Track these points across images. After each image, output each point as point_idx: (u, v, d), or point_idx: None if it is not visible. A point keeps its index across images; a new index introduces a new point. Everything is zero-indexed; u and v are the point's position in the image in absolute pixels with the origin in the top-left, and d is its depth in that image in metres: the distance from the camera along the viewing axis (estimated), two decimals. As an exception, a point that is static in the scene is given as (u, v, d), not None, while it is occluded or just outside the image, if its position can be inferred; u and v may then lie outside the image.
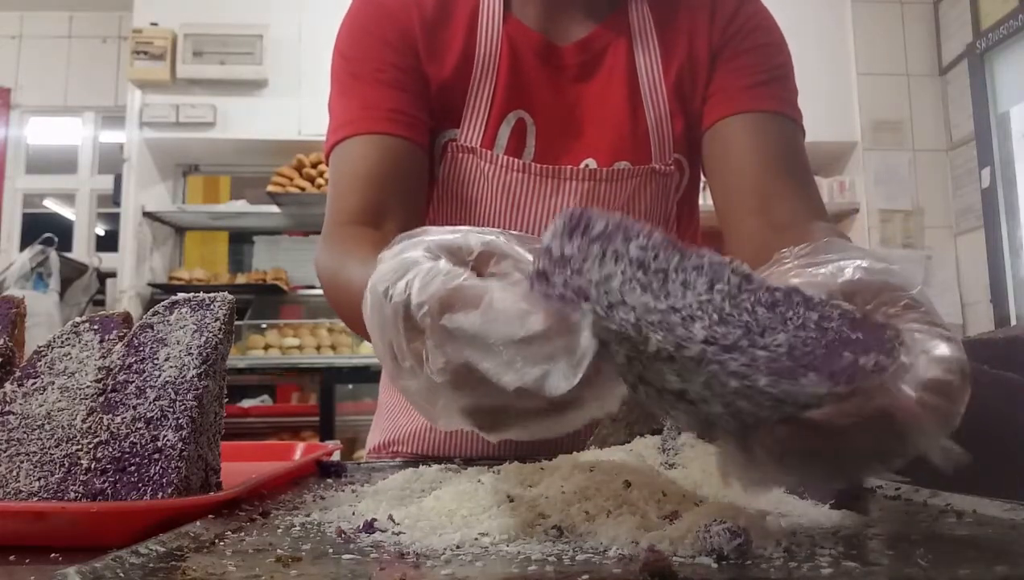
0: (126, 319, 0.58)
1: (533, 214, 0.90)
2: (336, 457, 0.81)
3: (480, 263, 0.43)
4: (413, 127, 0.88)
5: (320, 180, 3.54)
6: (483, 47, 0.91)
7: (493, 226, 0.89)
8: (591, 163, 0.91)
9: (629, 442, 0.67)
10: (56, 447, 0.51)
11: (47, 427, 0.52)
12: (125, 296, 3.55)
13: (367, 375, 3.24)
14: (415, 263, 0.41)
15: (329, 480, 0.69)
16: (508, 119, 0.91)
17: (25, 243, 4.03)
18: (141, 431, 0.51)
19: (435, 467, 0.66)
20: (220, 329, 0.55)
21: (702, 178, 0.98)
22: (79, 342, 0.56)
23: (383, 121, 0.87)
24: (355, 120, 0.88)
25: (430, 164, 0.92)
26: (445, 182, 0.92)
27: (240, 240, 4.25)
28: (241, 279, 3.73)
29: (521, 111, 0.91)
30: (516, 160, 0.89)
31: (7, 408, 0.53)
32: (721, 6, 0.93)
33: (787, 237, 0.62)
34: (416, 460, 0.79)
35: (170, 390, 0.52)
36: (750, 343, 0.36)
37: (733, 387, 0.35)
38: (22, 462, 0.51)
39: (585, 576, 0.35)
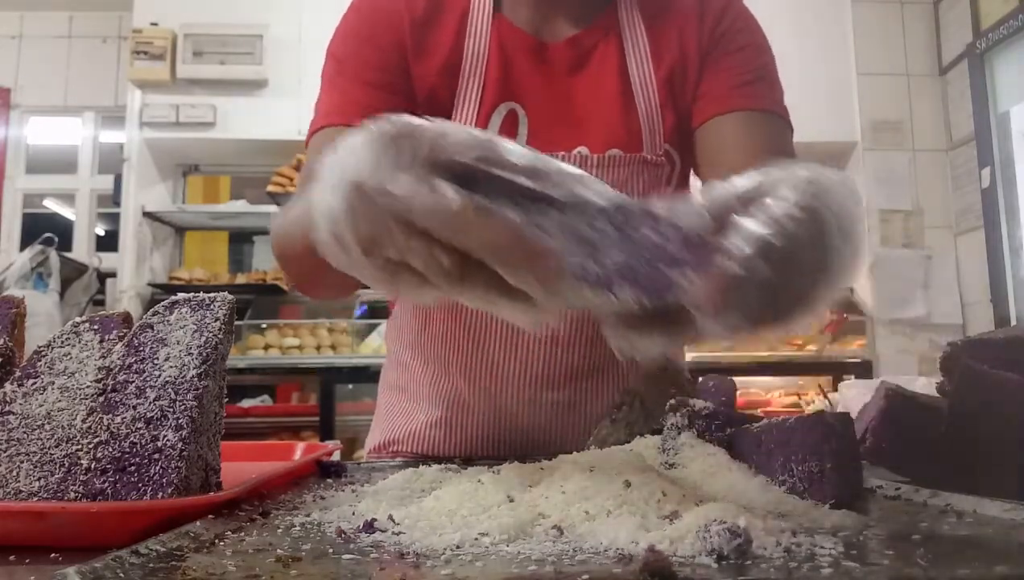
0: (126, 319, 0.58)
1: None
2: (336, 457, 0.81)
3: None
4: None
5: (320, 180, 3.53)
6: (472, 44, 0.93)
7: None
8: (584, 150, 0.92)
9: (629, 442, 0.67)
10: (56, 447, 0.51)
11: (47, 427, 0.52)
12: (125, 296, 3.55)
13: (367, 375, 3.24)
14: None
15: (329, 480, 0.69)
16: (499, 110, 0.93)
17: (25, 243, 4.03)
18: (141, 431, 0.51)
19: (435, 467, 0.66)
20: (220, 329, 0.55)
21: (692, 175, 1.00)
22: (79, 342, 0.56)
23: (358, 117, 0.88)
24: (332, 113, 0.91)
25: None
26: None
27: (240, 240, 4.25)
28: (241, 279, 3.72)
29: (512, 103, 0.93)
30: None
31: (7, 408, 0.53)
32: (708, 9, 0.96)
33: None
34: (416, 460, 0.79)
35: (170, 390, 0.52)
36: (593, 258, 0.42)
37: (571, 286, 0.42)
38: (22, 462, 0.51)
39: (585, 576, 0.35)
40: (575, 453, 0.65)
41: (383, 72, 0.91)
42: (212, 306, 0.56)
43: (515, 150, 0.43)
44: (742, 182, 0.46)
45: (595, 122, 0.93)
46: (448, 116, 0.92)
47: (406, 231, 0.42)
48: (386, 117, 0.44)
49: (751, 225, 0.42)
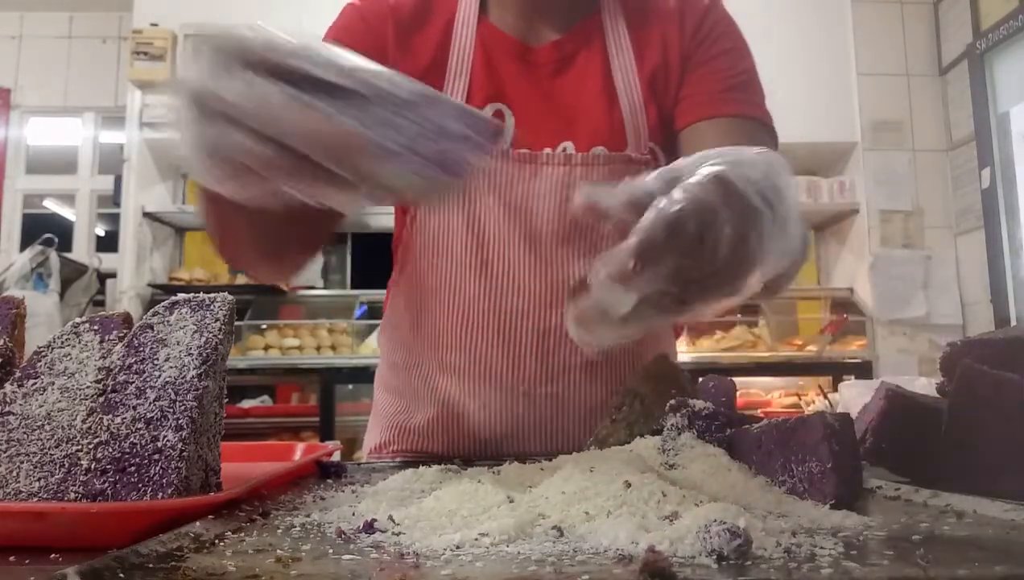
0: (126, 319, 0.58)
1: (516, 198, 0.93)
2: (336, 457, 0.81)
3: None
4: None
5: (320, 180, 3.53)
6: (458, 46, 0.95)
7: (485, 214, 0.93)
8: (569, 146, 0.94)
9: (629, 442, 0.67)
10: (56, 447, 0.51)
11: (47, 427, 0.52)
12: (125, 296, 3.55)
13: (367, 375, 3.21)
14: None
15: (329, 480, 0.69)
16: (485, 110, 0.94)
17: (25, 243, 4.03)
18: (141, 431, 0.51)
19: (435, 467, 0.66)
20: (220, 329, 0.55)
21: None
22: (79, 342, 0.56)
23: None
24: None
25: None
26: None
27: (240, 240, 4.24)
28: (241, 279, 3.72)
29: (498, 104, 0.95)
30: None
31: (7, 408, 0.53)
32: (690, 14, 0.98)
33: None
34: (416, 460, 0.79)
35: (170, 390, 0.52)
36: (393, 139, 0.46)
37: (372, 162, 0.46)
38: (22, 462, 0.51)
39: (585, 576, 0.35)
40: (575, 453, 0.65)
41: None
42: (212, 306, 0.56)
43: (330, 53, 0.48)
44: (669, 167, 0.50)
45: (580, 121, 0.95)
46: None
47: (240, 131, 0.46)
48: (221, 29, 0.49)
49: (662, 198, 0.46)
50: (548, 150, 0.94)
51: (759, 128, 0.94)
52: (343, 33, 0.96)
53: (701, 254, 0.45)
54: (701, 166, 0.48)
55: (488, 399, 0.94)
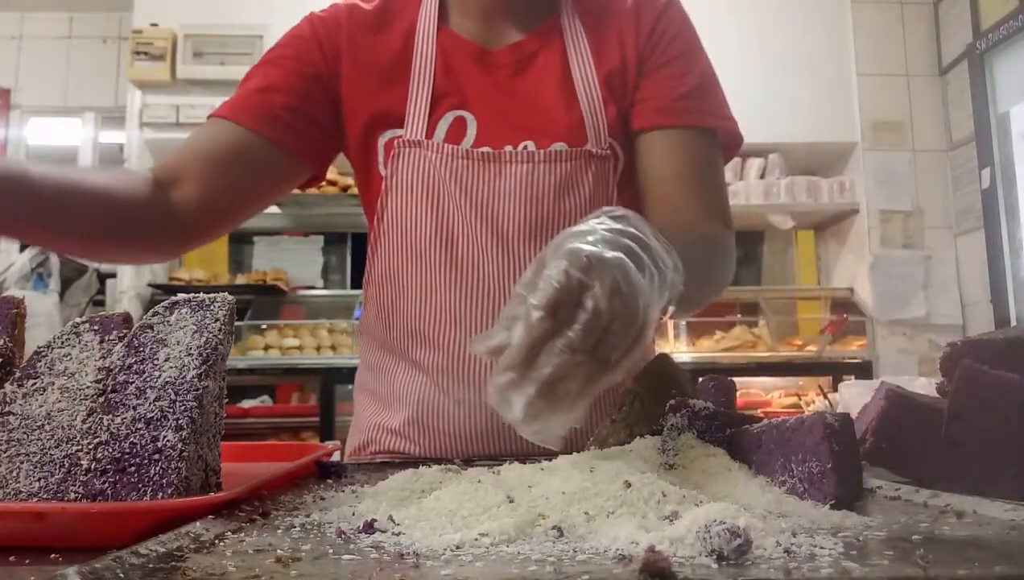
0: (126, 320, 0.58)
1: (481, 197, 0.94)
2: (336, 457, 0.81)
3: None
4: (282, 129, 0.97)
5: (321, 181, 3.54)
6: (419, 55, 0.98)
7: (452, 213, 0.95)
8: (531, 145, 0.96)
9: (629, 442, 0.67)
10: (56, 448, 0.51)
11: (47, 428, 0.52)
12: (125, 297, 3.55)
13: (367, 376, 3.23)
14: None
15: (329, 480, 0.69)
16: (447, 117, 0.97)
17: (25, 244, 4.03)
18: (141, 432, 0.51)
19: (435, 467, 0.66)
20: (220, 330, 0.55)
21: None
22: (79, 343, 0.56)
23: (251, 115, 0.97)
24: (234, 105, 0.98)
25: (365, 168, 1.02)
26: (393, 175, 0.97)
27: (240, 240, 4.24)
28: (241, 280, 3.72)
29: (460, 110, 0.97)
30: (456, 147, 0.95)
31: (7, 409, 0.53)
32: (644, 16, 1.00)
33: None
34: (415, 461, 0.79)
35: (170, 391, 0.52)
36: None
37: None
38: (22, 463, 0.51)
39: (585, 576, 0.35)
40: (575, 454, 0.65)
41: (302, 78, 0.99)
42: (212, 307, 0.56)
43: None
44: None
45: (540, 119, 0.97)
46: (398, 123, 0.97)
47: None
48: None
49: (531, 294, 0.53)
50: (510, 148, 0.95)
51: (704, 138, 0.98)
52: (298, 40, 1.02)
53: (585, 319, 0.51)
54: (557, 250, 0.54)
55: (463, 396, 0.94)
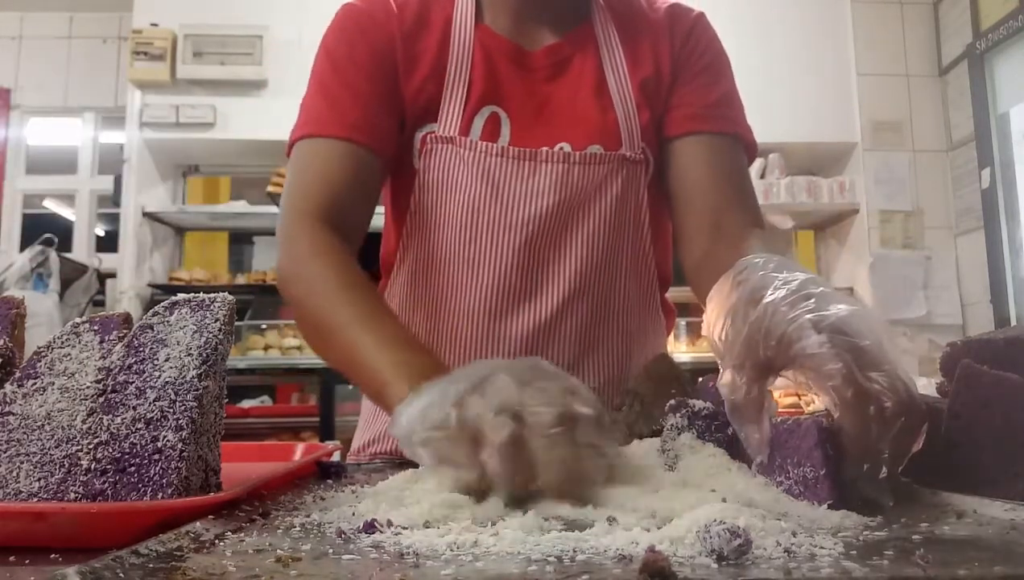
0: (126, 320, 0.58)
1: (512, 196, 0.94)
2: (336, 457, 0.81)
3: None
4: (375, 136, 0.94)
5: (320, 181, 3.53)
6: (456, 49, 0.96)
7: (479, 210, 0.93)
8: (566, 146, 0.96)
9: (629, 442, 0.67)
10: (56, 448, 0.51)
11: (47, 428, 0.52)
12: (125, 297, 3.55)
13: (367, 376, 3.23)
14: None
15: (329, 481, 0.69)
16: (482, 112, 0.96)
17: (25, 243, 4.03)
18: (141, 432, 0.51)
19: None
20: (220, 330, 0.55)
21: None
22: (79, 343, 0.56)
23: (349, 128, 0.92)
24: (324, 121, 0.93)
25: (398, 162, 0.99)
26: (426, 171, 0.96)
27: (240, 240, 4.25)
28: (241, 279, 3.73)
29: (494, 106, 0.96)
30: (492, 144, 0.94)
31: (7, 409, 0.53)
32: (678, 27, 1.03)
33: (726, 244, 0.89)
34: (397, 462, 0.79)
35: (170, 391, 0.52)
36: None
37: None
38: (22, 463, 0.51)
39: (585, 576, 0.35)
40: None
41: (374, 82, 0.95)
42: (212, 307, 0.56)
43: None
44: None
45: (575, 123, 0.97)
46: (435, 117, 0.96)
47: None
48: None
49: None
50: (546, 148, 0.95)
51: (736, 145, 1.00)
52: (354, 33, 0.96)
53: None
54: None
55: None
